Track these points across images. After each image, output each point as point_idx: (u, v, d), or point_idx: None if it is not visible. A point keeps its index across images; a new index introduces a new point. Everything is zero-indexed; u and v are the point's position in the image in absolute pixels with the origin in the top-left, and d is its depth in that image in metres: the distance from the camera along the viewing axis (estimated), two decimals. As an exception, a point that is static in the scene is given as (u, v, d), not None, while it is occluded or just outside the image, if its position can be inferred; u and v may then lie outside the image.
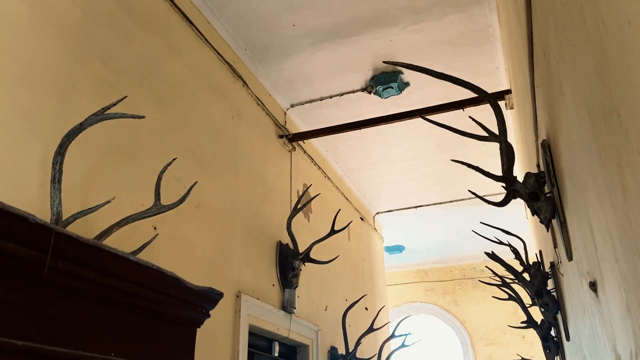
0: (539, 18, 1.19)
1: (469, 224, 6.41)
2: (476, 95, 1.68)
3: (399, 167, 5.38)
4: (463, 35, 3.65)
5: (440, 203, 6.06)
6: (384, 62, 1.60)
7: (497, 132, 1.69)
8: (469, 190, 1.90)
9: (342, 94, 4.19)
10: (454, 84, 1.54)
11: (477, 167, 1.62)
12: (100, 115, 1.91)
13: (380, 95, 4.16)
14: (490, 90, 4.04)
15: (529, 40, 1.39)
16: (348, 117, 4.37)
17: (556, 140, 1.31)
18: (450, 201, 6.02)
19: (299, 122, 4.51)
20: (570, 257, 1.48)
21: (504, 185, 1.55)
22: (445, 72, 4.23)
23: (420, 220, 6.60)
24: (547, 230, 1.84)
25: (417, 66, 1.52)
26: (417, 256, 8.00)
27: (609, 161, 0.66)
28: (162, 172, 2.13)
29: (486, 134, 1.71)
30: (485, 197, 1.90)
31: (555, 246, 1.92)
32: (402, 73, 4.02)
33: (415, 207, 6.17)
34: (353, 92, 4.16)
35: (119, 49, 2.46)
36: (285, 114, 4.31)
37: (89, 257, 0.91)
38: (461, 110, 3.78)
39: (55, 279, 0.83)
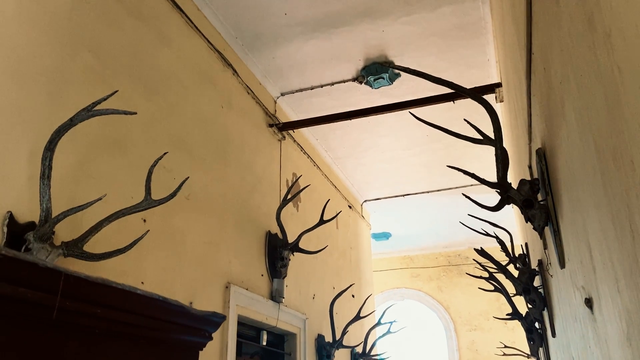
0: (540, 32, 1.18)
1: (455, 212, 6.49)
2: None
3: (388, 156, 5.39)
4: (455, 28, 3.64)
5: (428, 192, 6.11)
6: (381, 63, 1.59)
7: (491, 128, 1.69)
8: (463, 194, 1.91)
9: (332, 84, 4.16)
10: (452, 89, 1.53)
11: (473, 174, 1.62)
12: (91, 111, 1.87)
13: (371, 86, 4.14)
14: (480, 83, 4.07)
15: (528, 50, 1.38)
16: (338, 107, 4.36)
17: (553, 153, 1.32)
18: (438, 190, 6.07)
19: (289, 111, 4.48)
20: (562, 265, 1.50)
21: (498, 191, 1.56)
22: (436, 63, 4.20)
23: (408, 208, 6.65)
24: (540, 238, 1.86)
25: (414, 70, 1.51)
26: (404, 243, 8.07)
27: (617, 198, 0.66)
28: (153, 166, 2.11)
29: (481, 137, 1.72)
30: (479, 198, 1.91)
31: (546, 247, 1.94)
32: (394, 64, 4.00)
33: (403, 195, 6.20)
34: (344, 81, 4.14)
35: (109, 39, 2.41)
36: (275, 102, 4.27)
37: (97, 295, 0.90)
38: (452, 102, 3.79)
39: (63, 319, 0.82)
